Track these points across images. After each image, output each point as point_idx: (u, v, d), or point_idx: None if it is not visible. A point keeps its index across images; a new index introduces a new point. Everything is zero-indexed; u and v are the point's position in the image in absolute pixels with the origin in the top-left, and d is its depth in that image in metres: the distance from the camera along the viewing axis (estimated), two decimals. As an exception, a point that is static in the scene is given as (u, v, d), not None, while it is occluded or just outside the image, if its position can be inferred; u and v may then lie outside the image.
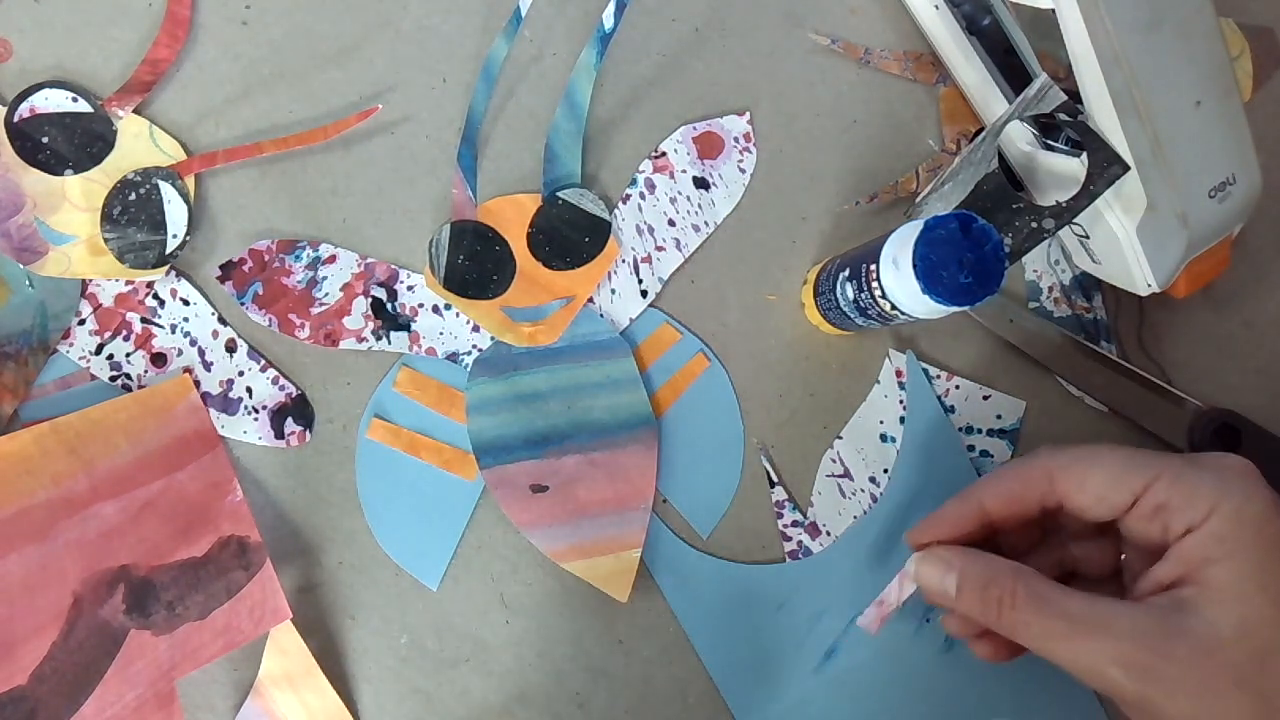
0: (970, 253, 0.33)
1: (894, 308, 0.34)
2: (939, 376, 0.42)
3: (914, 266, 0.32)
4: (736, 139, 0.42)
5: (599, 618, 0.40)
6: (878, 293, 0.35)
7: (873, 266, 0.35)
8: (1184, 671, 0.28)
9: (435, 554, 0.39)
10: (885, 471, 0.41)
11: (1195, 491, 0.30)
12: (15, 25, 0.39)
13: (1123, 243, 0.39)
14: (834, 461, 0.41)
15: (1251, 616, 0.28)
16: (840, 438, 0.42)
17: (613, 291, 0.41)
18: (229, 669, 0.38)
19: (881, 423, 0.42)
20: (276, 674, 0.37)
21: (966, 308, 0.33)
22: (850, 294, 0.37)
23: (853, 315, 0.37)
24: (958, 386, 0.42)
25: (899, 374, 0.42)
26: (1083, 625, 0.30)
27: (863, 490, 0.41)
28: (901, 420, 0.42)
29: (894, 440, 0.42)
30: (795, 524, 0.41)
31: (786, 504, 0.41)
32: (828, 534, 0.41)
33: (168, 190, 0.38)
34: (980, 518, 0.34)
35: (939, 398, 0.42)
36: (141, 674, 0.35)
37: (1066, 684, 0.41)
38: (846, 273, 0.37)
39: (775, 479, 0.41)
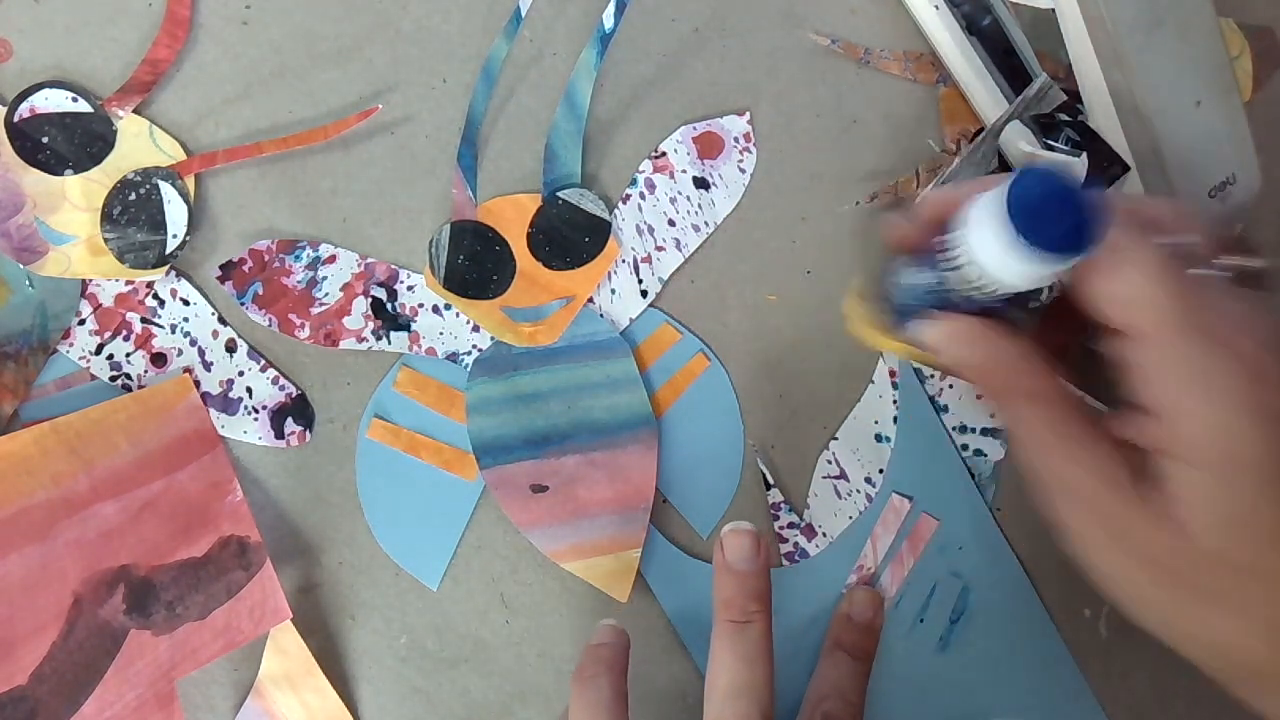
0: (1065, 200, 0.28)
1: (980, 278, 0.30)
2: (932, 376, 0.42)
3: (1010, 216, 0.28)
4: (736, 139, 0.42)
5: (599, 618, 0.40)
6: (960, 264, 0.30)
7: (946, 239, 0.31)
8: (1140, 547, 0.28)
9: (435, 554, 0.39)
10: (881, 472, 0.42)
11: (1179, 388, 0.27)
12: (15, 25, 0.39)
13: (1123, 243, 0.39)
14: (830, 463, 0.41)
15: (1195, 523, 0.27)
16: (836, 438, 0.42)
17: (613, 291, 0.41)
18: (229, 669, 0.38)
19: (876, 423, 0.42)
20: (276, 674, 0.37)
21: (1073, 260, 0.28)
22: (925, 279, 0.32)
23: (928, 307, 0.33)
24: (951, 386, 0.42)
25: (892, 374, 0.42)
26: (1054, 457, 0.30)
27: (858, 491, 0.41)
28: (895, 421, 0.42)
29: (889, 440, 0.42)
30: (791, 526, 0.41)
31: (783, 506, 0.41)
32: (824, 535, 0.41)
33: (168, 190, 0.38)
34: None
35: (933, 398, 0.42)
36: (141, 674, 0.35)
37: (1066, 684, 0.41)
38: (912, 261, 0.33)
39: (770, 481, 0.41)
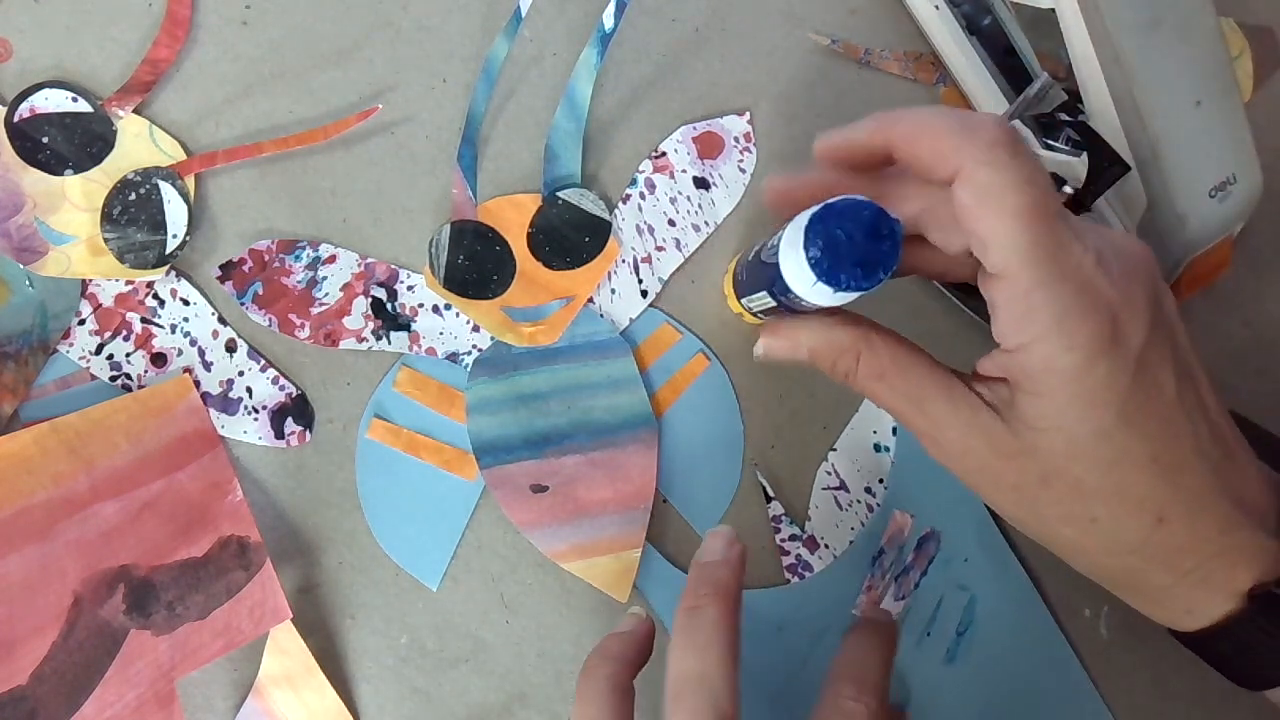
0: (856, 238, 0.30)
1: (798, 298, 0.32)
2: None
3: (807, 254, 0.30)
4: (736, 139, 0.42)
5: (599, 618, 0.40)
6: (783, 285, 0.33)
7: (771, 245, 0.33)
8: (995, 468, 0.31)
9: (435, 554, 0.39)
10: (880, 481, 0.41)
11: (1025, 321, 0.28)
12: (15, 25, 0.39)
13: (1123, 243, 0.39)
14: (829, 474, 0.41)
15: (1045, 446, 0.30)
16: (835, 450, 0.41)
17: (613, 291, 0.41)
18: (229, 669, 0.38)
19: (875, 433, 0.42)
20: (276, 674, 0.37)
21: (865, 290, 0.30)
22: (766, 274, 0.34)
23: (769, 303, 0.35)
24: None
25: None
26: (913, 408, 0.32)
27: (859, 501, 0.41)
28: (894, 430, 0.42)
29: (888, 450, 0.42)
30: (793, 538, 0.41)
31: (783, 518, 0.41)
32: (825, 546, 0.41)
33: (168, 190, 0.38)
34: (878, 159, 0.31)
35: None
36: (141, 674, 0.35)
37: (1072, 689, 0.41)
38: (754, 253, 0.35)
39: (770, 494, 0.41)
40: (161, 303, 0.39)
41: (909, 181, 0.31)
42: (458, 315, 0.40)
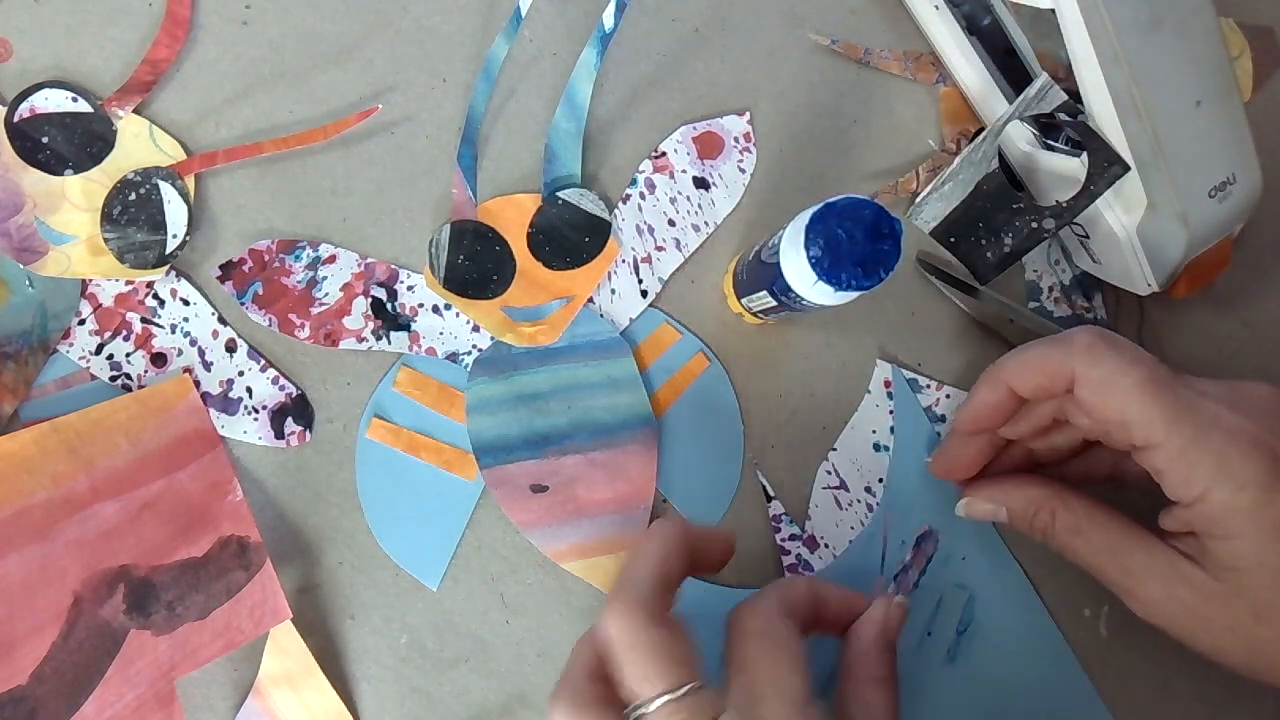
0: (856, 238, 0.31)
1: (801, 299, 0.34)
2: (928, 386, 0.42)
3: (807, 252, 0.31)
4: (736, 139, 0.42)
5: (599, 618, 0.40)
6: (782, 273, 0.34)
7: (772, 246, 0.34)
8: (1205, 613, 0.33)
9: (435, 554, 0.39)
10: (880, 481, 0.41)
11: (1191, 475, 0.31)
12: (15, 25, 0.39)
13: (1123, 243, 0.39)
14: (829, 474, 0.41)
15: (1251, 584, 0.32)
16: (835, 449, 0.41)
17: (613, 291, 0.41)
18: (229, 669, 0.38)
19: (874, 432, 0.42)
20: (276, 674, 0.37)
21: (866, 289, 0.32)
22: (767, 273, 0.35)
23: (773, 305, 0.36)
24: (948, 396, 0.42)
25: (887, 384, 0.42)
26: (1111, 563, 0.35)
27: (859, 501, 0.41)
28: (892, 430, 0.42)
29: (887, 450, 0.42)
30: (793, 538, 0.41)
31: (783, 518, 0.41)
32: (825, 546, 0.41)
33: (168, 190, 0.38)
34: (1012, 405, 0.36)
35: (930, 408, 0.42)
36: (141, 674, 0.35)
37: (1071, 687, 0.41)
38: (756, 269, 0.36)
39: (771, 494, 0.41)
40: (161, 303, 0.39)
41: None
42: (458, 315, 0.40)
